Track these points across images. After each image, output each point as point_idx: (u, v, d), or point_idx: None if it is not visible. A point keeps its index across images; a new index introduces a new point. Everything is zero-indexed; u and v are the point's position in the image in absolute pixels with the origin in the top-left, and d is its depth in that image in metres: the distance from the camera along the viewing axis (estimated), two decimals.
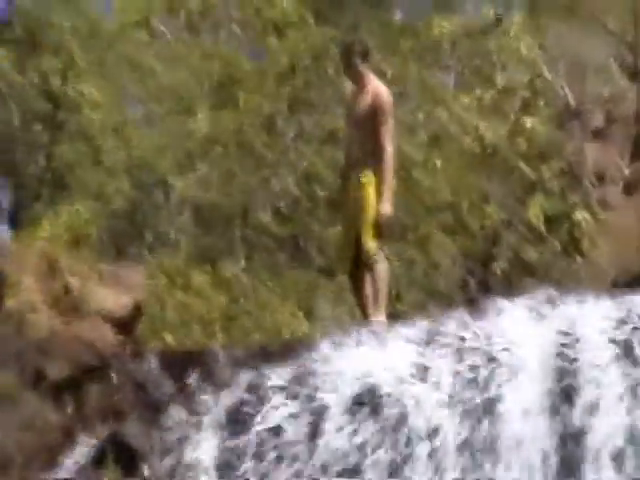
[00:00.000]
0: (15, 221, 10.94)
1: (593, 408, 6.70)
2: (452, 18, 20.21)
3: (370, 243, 9.92)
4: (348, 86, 11.50)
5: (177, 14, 21.09)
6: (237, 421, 7.56)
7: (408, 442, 7.11)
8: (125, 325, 12.41)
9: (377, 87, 10.36)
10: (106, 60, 20.46)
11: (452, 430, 7.02)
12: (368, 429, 7.25)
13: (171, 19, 21.27)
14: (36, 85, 18.68)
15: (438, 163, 15.83)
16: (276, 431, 7.40)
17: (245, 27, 20.96)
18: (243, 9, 20.93)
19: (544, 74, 19.13)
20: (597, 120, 23.45)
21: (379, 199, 10.04)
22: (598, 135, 23.03)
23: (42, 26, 19.02)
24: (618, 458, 6.66)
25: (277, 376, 7.74)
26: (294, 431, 7.37)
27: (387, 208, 9.99)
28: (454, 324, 7.88)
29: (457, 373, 7.30)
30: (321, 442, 7.24)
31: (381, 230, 10.01)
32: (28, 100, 18.50)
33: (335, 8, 21.98)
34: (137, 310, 12.90)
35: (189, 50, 20.84)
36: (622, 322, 7.21)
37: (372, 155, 10.15)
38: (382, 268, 9.97)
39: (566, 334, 7.17)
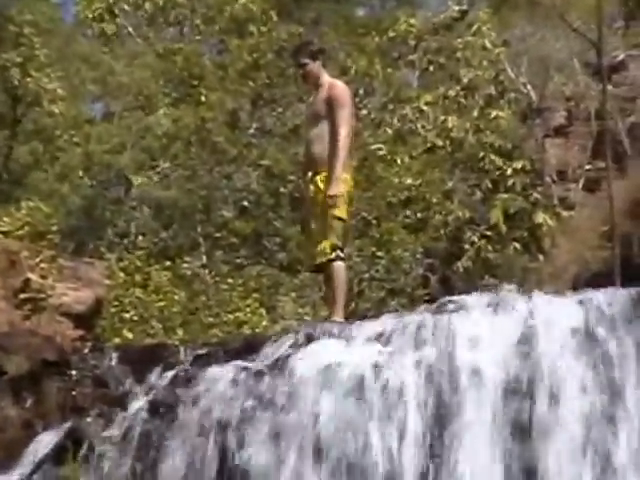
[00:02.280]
0: None
1: (553, 398, 6.77)
2: (416, 13, 20.31)
3: (324, 243, 9.92)
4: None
5: (141, 7, 21.05)
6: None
7: None
8: (85, 320, 12.39)
9: (332, 81, 10.36)
10: (66, 54, 20.39)
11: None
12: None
13: (134, 12, 21.23)
14: None
15: (402, 159, 15.85)
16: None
17: (208, 23, 20.92)
18: (207, 4, 20.91)
19: (507, 71, 19.23)
20: (559, 117, 23.59)
21: (329, 182, 10.01)
22: (560, 132, 23.16)
23: (2, 19, 18.93)
24: (580, 447, 6.75)
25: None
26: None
27: (334, 189, 9.87)
28: (415, 321, 7.95)
29: (417, 370, 7.35)
30: None
31: (334, 228, 10.05)
32: None
33: (298, 4, 21.99)
34: (97, 306, 12.89)
35: (150, 45, 20.78)
36: (582, 318, 7.29)
37: (331, 151, 10.20)
38: (337, 267, 9.99)
39: (527, 327, 7.23)
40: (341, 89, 10.09)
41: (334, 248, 9.94)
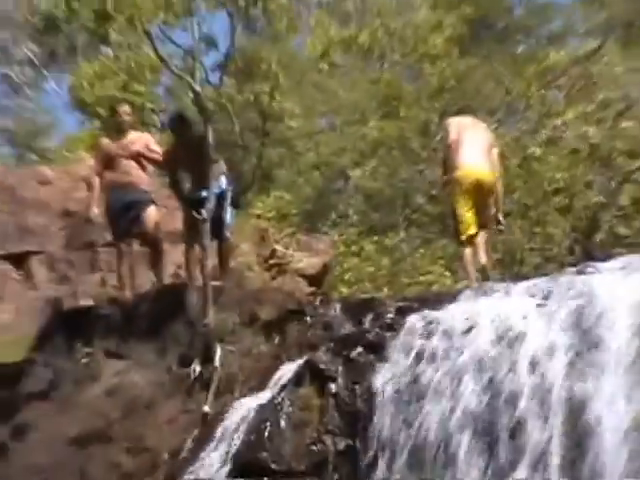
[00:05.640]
0: (236, 204, 11.10)
1: None
2: (563, 48, 19.91)
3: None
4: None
5: (351, 49, 21.25)
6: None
7: None
8: (316, 280, 12.61)
9: None
10: (301, 83, 20.79)
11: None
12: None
13: (347, 52, 21.52)
14: (251, 103, 19.07)
15: (553, 159, 15.57)
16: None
17: (404, 57, 20.93)
18: (403, 44, 20.89)
19: (632, 91, 18.89)
20: None
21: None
22: None
23: (255, 59, 19.36)
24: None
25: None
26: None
27: None
28: (564, 281, 7.64)
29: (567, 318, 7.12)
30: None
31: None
32: (245, 114, 18.92)
33: (473, 43, 21.81)
34: (324, 269, 13.10)
35: (363, 74, 20.98)
36: None
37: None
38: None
39: None
40: None
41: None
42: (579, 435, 6.10)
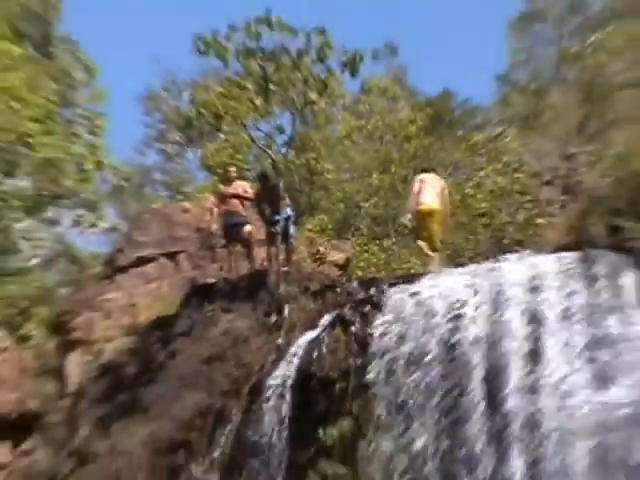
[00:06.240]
0: (296, 223, 10.87)
1: None
2: (483, 132, 18.07)
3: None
4: None
5: (362, 132, 19.21)
6: None
7: None
8: (342, 267, 12.14)
9: None
10: (333, 153, 19.12)
11: None
12: None
13: (360, 134, 19.35)
14: (304, 164, 17.79)
15: (480, 195, 14.42)
16: None
17: (394, 137, 19.00)
18: (392, 130, 18.87)
19: (524, 157, 17.27)
20: None
21: None
22: None
23: (307, 139, 17.93)
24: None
25: None
26: None
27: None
28: (486, 266, 7.22)
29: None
30: None
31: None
32: (300, 171, 17.83)
33: (433, 129, 19.43)
34: (347, 261, 12.56)
35: (369, 147, 19.29)
36: None
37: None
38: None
39: None
40: None
41: None
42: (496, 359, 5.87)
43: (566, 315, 5.99)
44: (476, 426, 5.68)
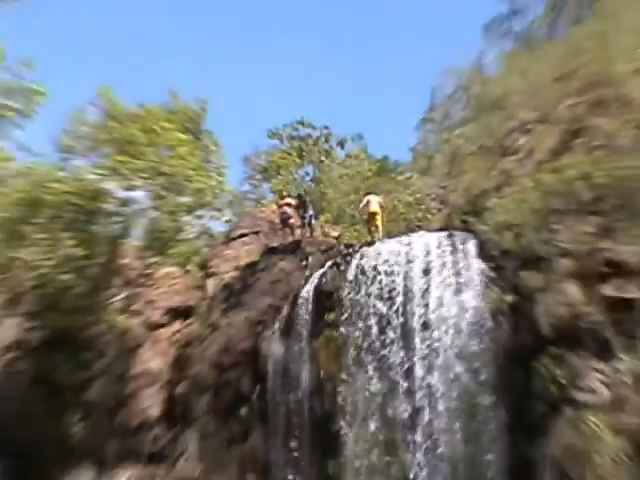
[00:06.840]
0: (316, 217, 10.71)
1: None
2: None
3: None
4: None
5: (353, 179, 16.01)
6: None
7: None
8: (336, 239, 11.45)
9: None
10: (335, 187, 15.96)
11: None
12: None
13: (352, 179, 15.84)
14: (319, 195, 15.69)
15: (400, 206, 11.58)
16: None
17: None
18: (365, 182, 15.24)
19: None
20: None
21: None
22: None
23: (319, 182, 15.51)
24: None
25: None
26: None
27: None
28: (418, 235, 7.28)
29: None
30: None
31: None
32: (314, 195, 15.42)
33: (379, 180, 14.74)
34: (339, 236, 11.75)
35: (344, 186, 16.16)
36: None
37: None
38: None
39: None
40: None
41: None
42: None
43: (443, 265, 6.65)
44: (394, 334, 6.02)
